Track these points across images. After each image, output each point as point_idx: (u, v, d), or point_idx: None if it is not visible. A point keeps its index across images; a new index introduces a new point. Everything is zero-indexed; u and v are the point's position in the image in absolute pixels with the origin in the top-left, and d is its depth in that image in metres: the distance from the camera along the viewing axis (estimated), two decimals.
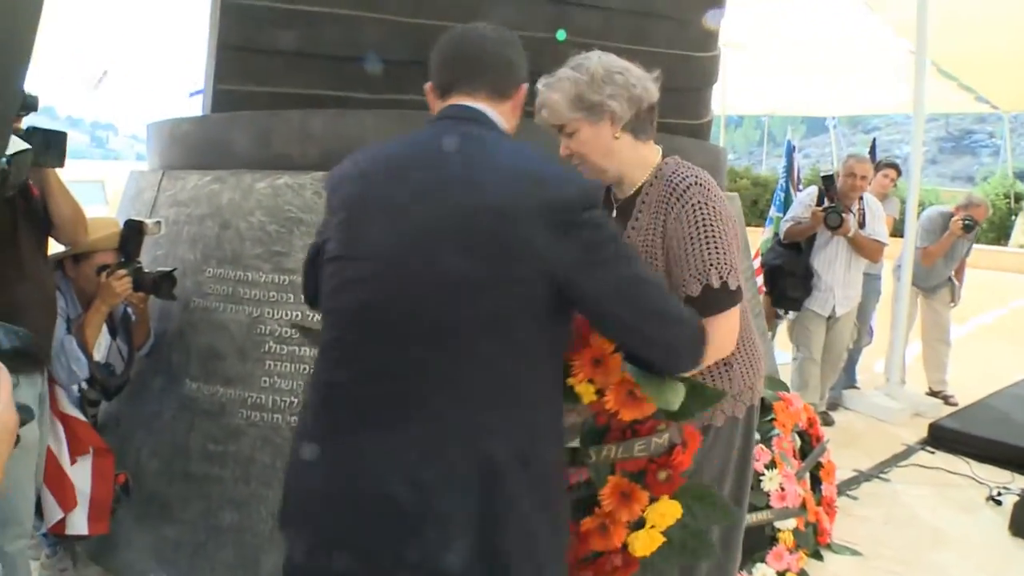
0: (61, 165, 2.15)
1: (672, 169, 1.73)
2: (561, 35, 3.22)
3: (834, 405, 5.13)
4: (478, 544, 1.30)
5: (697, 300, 1.64)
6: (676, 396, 1.56)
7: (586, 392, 1.60)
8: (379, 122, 2.73)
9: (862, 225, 4.40)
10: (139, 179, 3.31)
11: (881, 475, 4.03)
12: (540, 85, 1.72)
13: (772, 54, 13.68)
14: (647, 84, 1.71)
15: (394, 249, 1.36)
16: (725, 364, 1.80)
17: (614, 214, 1.83)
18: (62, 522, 2.44)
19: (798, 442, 3.37)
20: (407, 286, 1.34)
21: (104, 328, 2.60)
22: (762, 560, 2.76)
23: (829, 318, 4.49)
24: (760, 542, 2.83)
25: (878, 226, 4.43)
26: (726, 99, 14.59)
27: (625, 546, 1.64)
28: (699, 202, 1.66)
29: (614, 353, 1.57)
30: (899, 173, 5.44)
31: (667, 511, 1.63)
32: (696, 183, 1.68)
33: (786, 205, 5.77)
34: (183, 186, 2.94)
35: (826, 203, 4.30)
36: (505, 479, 1.31)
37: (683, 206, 1.66)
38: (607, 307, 1.38)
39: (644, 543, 1.62)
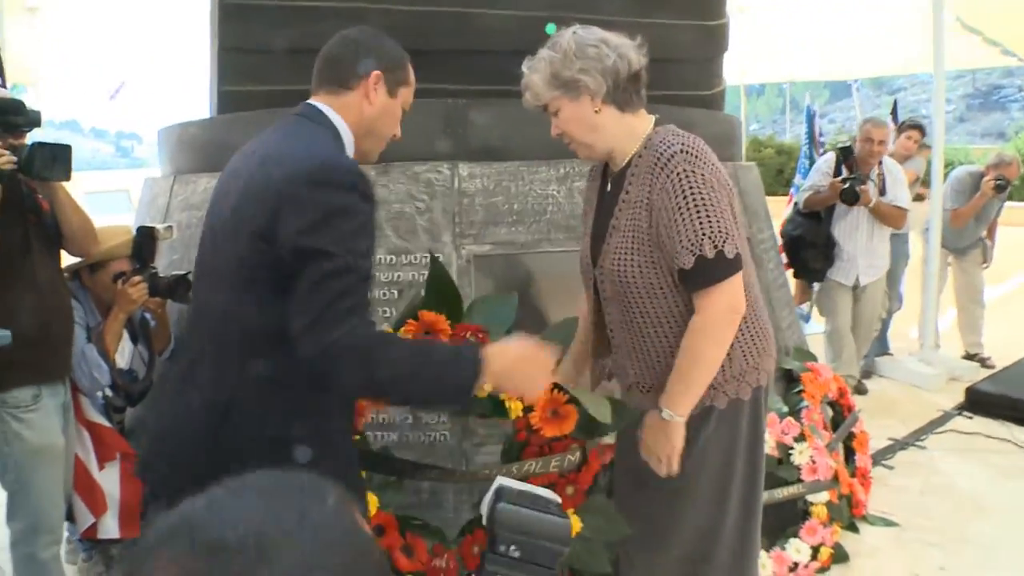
0: (67, 178, 2.18)
1: (660, 138, 1.69)
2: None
3: (868, 373, 5.04)
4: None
5: (691, 272, 1.61)
6: (605, 411, 1.74)
7: (515, 408, 1.79)
8: None
9: (883, 191, 4.29)
10: (152, 185, 3.33)
11: (917, 443, 3.96)
12: (523, 68, 1.71)
13: (789, 18, 13.41)
14: (625, 53, 1.66)
15: (208, 225, 1.61)
16: None
17: (608, 188, 1.80)
18: (94, 527, 2.49)
19: (829, 413, 3.31)
20: (204, 259, 1.60)
21: (125, 334, 2.62)
22: (795, 535, 2.71)
23: (855, 287, 4.39)
24: (792, 517, 2.78)
25: (900, 192, 4.32)
26: (745, 67, 14.34)
27: None
28: (684, 171, 1.61)
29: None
30: (923, 134, 5.30)
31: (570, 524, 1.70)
32: (682, 151, 1.63)
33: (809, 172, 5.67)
34: (194, 189, 2.94)
35: (844, 174, 4.19)
36: (227, 424, 1.44)
37: (668, 176, 1.62)
38: (293, 285, 1.37)
39: None
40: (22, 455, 2.19)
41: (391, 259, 2.56)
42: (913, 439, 4.00)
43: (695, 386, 1.67)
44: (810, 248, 4.38)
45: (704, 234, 1.59)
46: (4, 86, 3.08)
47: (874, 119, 4.46)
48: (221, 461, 1.26)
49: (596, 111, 1.67)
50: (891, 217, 4.29)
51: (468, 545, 1.94)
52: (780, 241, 4.62)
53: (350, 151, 1.58)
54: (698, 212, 1.59)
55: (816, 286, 4.65)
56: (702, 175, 1.61)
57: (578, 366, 2.00)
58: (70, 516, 2.49)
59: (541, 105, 1.71)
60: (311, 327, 1.34)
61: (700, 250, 1.59)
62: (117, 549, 2.78)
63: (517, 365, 1.44)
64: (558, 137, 1.74)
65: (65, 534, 2.61)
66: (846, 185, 4.10)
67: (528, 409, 1.80)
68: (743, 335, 1.75)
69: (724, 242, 1.60)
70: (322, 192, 1.38)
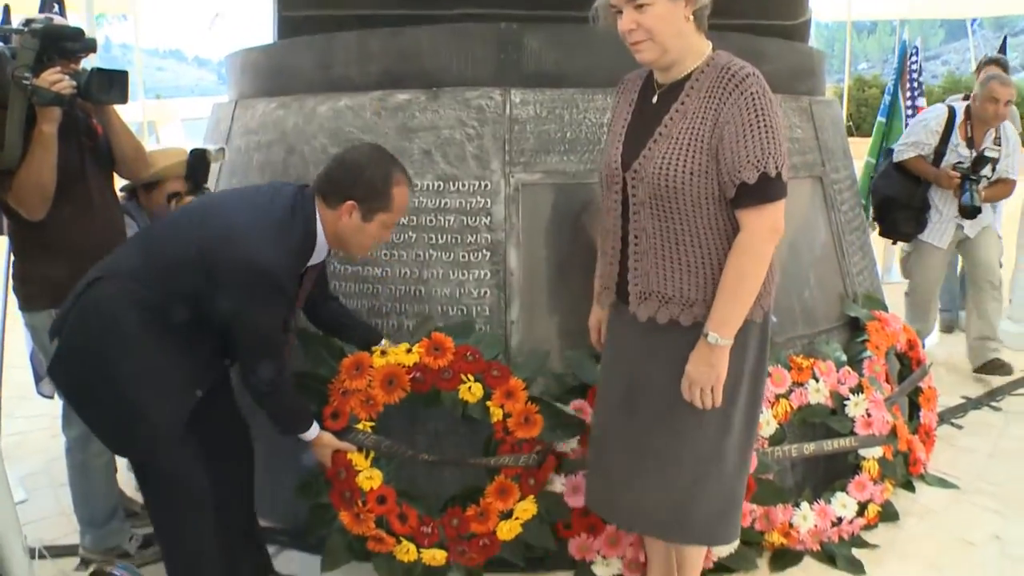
0: (124, 101, 2.26)
1: (727, 59, 1.76)
2: None
3: (950, 327, 4.79)
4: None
5: (753, 187, 1.70)
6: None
7: (496, 413, 2.26)
8: (435, 38, 2.65)
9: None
10: (218, 110, 3.38)
11: (992, 403, 3.75)
12: None
13: None
14: None
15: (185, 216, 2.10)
16: None
17: (655, 100, 1.83)
18: None
19: (896, 365, 3.16)
20: (164, 231, 2.09)
21: None
22: (842, 489, 2.61)
23: (962, 241, 4.04)
24: (842, 470, 2.68)
25: (1013, 161, 3.94)
26: (853, 1, 13.45)
27: (494, 532, 2.26)
28: (758, 92, 1.70)
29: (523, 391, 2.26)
30: (1006, 71, 4.74)
31: (529, 508, 2.27)
32: (754, 74, 1.73)
33: (890, 110, 5.32)
34: (253, 114, 2.97)
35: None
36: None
37: (742, 94, 1.70)
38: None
39: (507, 530, 2.26)
40: None
41: (439, 185, 2.54)
42: (988, 399, 3.78)
43: (740, 305, 1.74)
44: (903, 210, 4.03)
45: (770, 153, 1.69)
46: (63, 15, 3.17)
47: (1000, 76, 3.95)
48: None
49: (687, 18, 1.72)
50: (1001, 194, 3.99)
51: (448, 518, 2.30)
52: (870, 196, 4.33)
53: (323, 246, 1.98)
54: (766, 133, 1.69)
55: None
56: (770, 99, 1.71)
57: (605, 280, 1.99)
58: None
59: None
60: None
61: (765, 167, 1.68)
62: None
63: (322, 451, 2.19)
64: (627, 33, 1.73)
65: None
66: (965, 195, 3.78)
67: (507, 415, 2.25)
68: None
69: (783, 165, 1.71)
70: (245, 287, 1.81)
